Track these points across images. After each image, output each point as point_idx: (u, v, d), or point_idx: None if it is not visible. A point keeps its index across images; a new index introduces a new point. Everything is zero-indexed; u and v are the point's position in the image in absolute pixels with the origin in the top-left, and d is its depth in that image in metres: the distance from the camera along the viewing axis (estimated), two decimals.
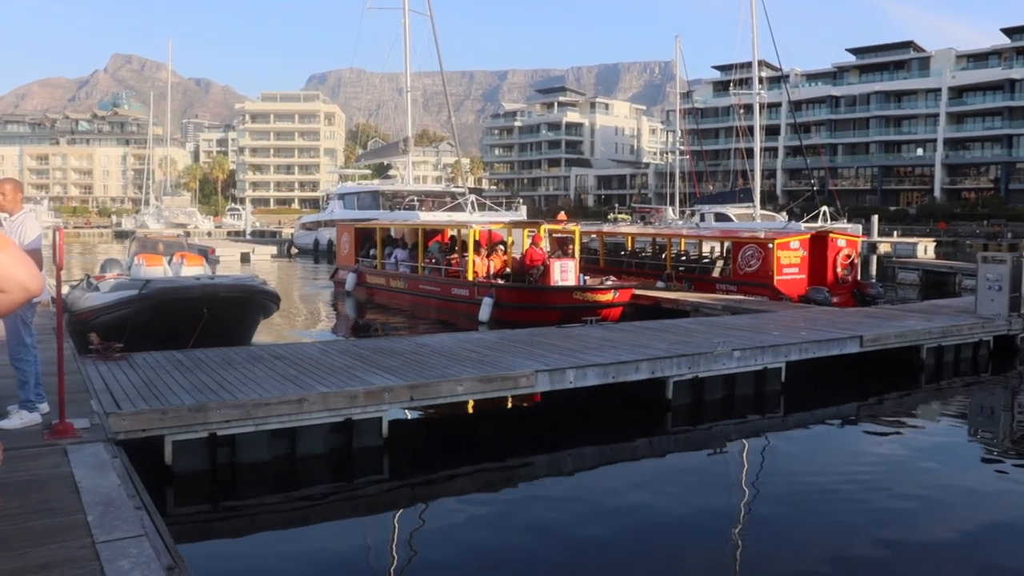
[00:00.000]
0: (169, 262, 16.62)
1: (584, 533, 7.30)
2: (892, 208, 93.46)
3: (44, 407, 7.61)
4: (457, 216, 38.48)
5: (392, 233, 28.54)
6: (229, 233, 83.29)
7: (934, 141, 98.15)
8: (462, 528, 7.41)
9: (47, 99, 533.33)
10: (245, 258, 47.00)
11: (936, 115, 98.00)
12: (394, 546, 7.02)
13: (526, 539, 7.20)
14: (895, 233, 62.85)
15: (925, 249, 45.46)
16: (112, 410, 7.81)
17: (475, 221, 27.30)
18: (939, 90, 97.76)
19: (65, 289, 14.85)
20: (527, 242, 22.51)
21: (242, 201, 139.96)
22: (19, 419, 7.30)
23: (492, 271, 22.17)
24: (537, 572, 6.57)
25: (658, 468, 9.45)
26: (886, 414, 12.16)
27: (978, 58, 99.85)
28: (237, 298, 13.46)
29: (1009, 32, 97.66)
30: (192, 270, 16.10)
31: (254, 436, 8.45)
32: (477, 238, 22.43)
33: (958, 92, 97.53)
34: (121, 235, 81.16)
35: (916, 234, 63.68)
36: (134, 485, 6.02)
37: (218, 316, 12.82)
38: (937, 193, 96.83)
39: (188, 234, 51.84)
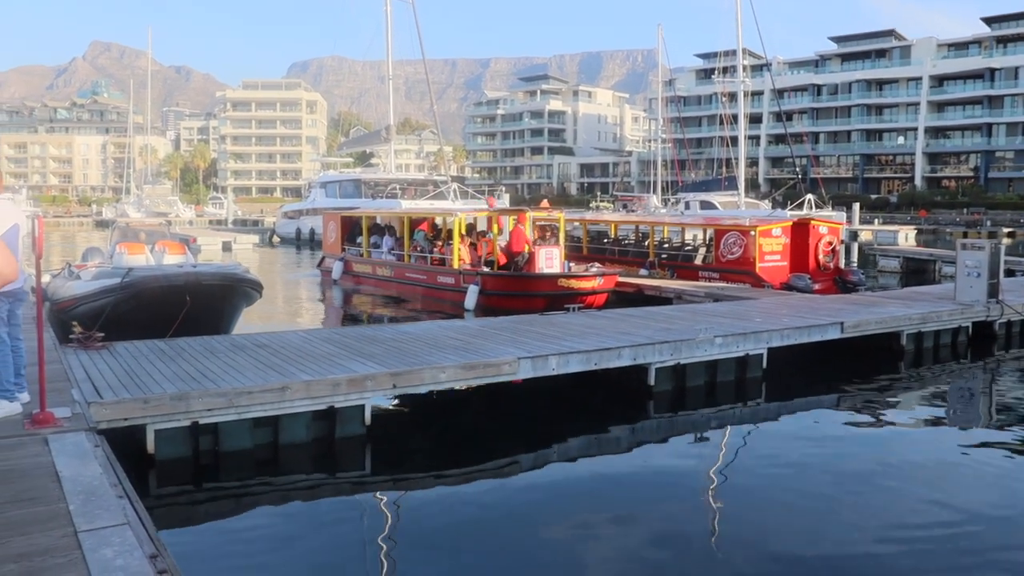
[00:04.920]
0: (151, 251, 16.51)
1: (567, 520, 7.34)
2: (873, 196, 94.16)
3: (25, 396, 7.57)
4: (440, 204, 38.41)
5: (378, 221, 28.49)
6: (211, 222, 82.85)
7: (915, 129, 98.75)
8: (444, 515, 7.43)
9: (24, 87, 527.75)
10: (227, 247, 46.76)
11: (917, 103, 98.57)
12: (376, 533, 7.03)
13: (508, 526, 7.23)
14: (876, 221, 63.32)
15: (906, 237, 45.78)
16: (93, 399, 7.78)
17: (459, 209, 27.24)
18: (920, 79, 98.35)
19: (46, 278, 14.79)
20: (512, 224, 22.44)
21: (224, 190, 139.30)
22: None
23: (478, 258, 22.15)
24: (519, 559, 6.60)
25: (640, 455, 9.49)
26: (866, 400, 12.26)
27: (959, 47, 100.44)
28: (220, 286, 13.39)
29: (989, 21, 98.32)
30: (174, 258, 16.00)
31: (237, 424, 8.44)
32: (463, 228, 22.36)
33: (939, 81, 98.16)
34: (102, 224, 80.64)
35: (897, 222, 64.15)
36: (116, 474, 6.00)
37: (201, 304, 12.75)
38: (918, 181, 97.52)
39: (169, 223, 51.54)
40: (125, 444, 7.62)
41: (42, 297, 8.51)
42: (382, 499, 7.91)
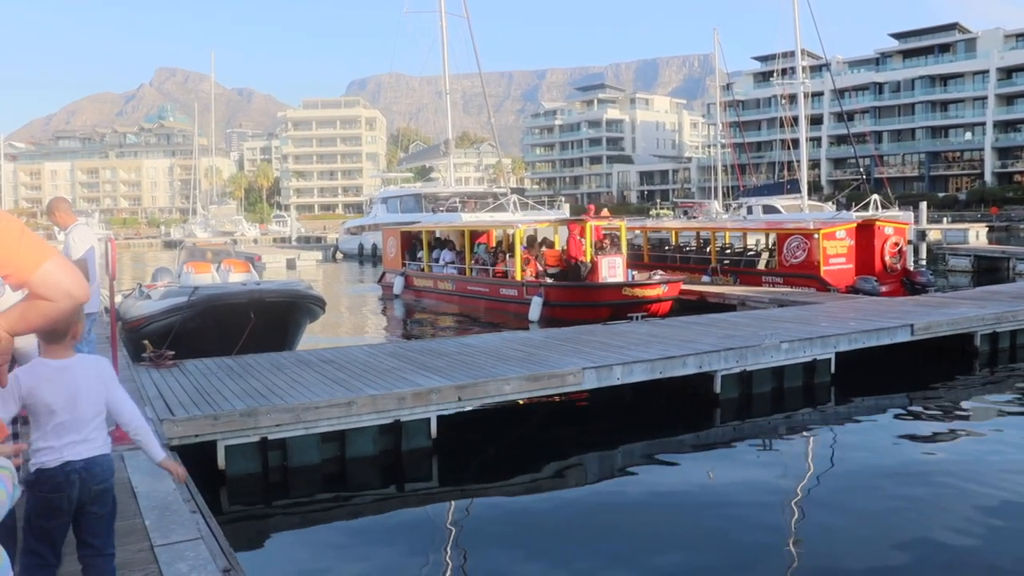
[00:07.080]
0: (217, 269, 16.86)
1: (634, 529, 7.27)
2: (941, 194, 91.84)
3: None
4: (501, 216, 38.50)
5: (438, 235, 28.64)
6: (275, 240, 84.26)
7: (983, 124, 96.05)
8: (513, 528, 7.43)
9: (96, 114, 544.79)
10: (291, 264, 47.51)
11: (984, 97, 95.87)
12: (445, 546, 7.05)
13: (576, 536, 7.19)
14: (945, 220, 61.71)
15: (977, 235, 44.56)
16: (166, 416, 7.96)
17: (520, 221, 27.29)
18: (987, 72, 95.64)
19: (118, 298, 15.21)
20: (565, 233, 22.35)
21: (287, 208, 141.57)
22: None
23: (540, 269, 22.11)
24: (587, 569, 6.55)
25: (708, 464, 9.37)
26: (940, 404, 11.94)
27: None
28: (283, 303, 13.60)
29: None
30: (239, 277, 16.32)
31: (304, 439, 8.54)
32: (523, 240, 22.33)
33: (1007, 73, 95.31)
34: (170, 244, 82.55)
35: (967, 220, 62.48)
36: (189, 489, 6.12)
37: (265, 321, 12.97)
38: (987, 177, 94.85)
39: (235, 242, 52.63)
40: (197, 460, 7.76)
41: (115, 317, 8.73)
42: (450, 511, 7.93)
